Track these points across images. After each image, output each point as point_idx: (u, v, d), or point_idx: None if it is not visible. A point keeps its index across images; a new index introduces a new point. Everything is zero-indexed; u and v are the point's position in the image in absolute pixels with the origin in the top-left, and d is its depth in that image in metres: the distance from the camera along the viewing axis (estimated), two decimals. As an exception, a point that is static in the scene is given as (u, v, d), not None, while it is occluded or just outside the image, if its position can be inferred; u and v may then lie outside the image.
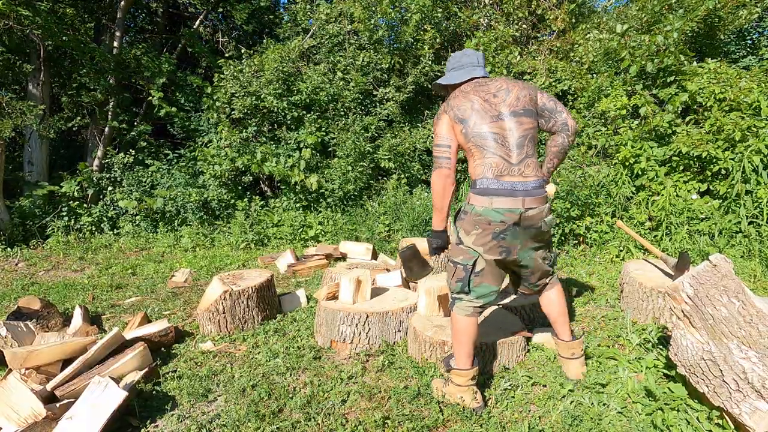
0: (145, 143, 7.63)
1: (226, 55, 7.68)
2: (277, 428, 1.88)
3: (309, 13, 7.72)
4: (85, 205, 6.64)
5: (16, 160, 7.86)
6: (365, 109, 7.29)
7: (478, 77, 2.05)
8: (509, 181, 1.86)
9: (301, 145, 6.69)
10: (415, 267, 2.23)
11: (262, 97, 6.70)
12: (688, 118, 5.05)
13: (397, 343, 2.61)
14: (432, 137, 6.98)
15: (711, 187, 4.69)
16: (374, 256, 4.66)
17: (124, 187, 6.77)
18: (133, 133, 7.61)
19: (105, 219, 6.63)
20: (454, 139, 1.96)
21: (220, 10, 9.73)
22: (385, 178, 7.07)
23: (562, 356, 2.23)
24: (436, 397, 2.07)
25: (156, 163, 6.90)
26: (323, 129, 6.88)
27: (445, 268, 3.63)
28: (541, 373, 2.24)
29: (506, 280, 2.44)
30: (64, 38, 6.58)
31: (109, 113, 7.48)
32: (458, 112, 1.94)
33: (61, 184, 6.59)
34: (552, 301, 2.21)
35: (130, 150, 7.09)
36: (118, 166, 6.82)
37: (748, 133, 4.42)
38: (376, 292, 2.96)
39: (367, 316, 2.57)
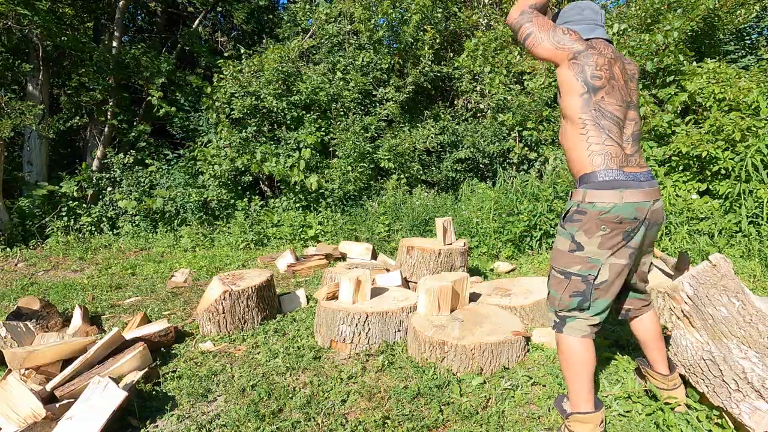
0: (145, 143, 7.63)
1: (225, 54, 7.68)
2: (277, 428, 1.88)
3: (308, 13, 7.73)
4: (84, 205, 6.64)
5: (15, 160, 7.86)
6: (365, 109, 7.29)
7: (603, 39, 1.72)
8: (631, 171, 1.62)
9: (301, 145, 6.69)
10: None
11: (261, 97, 6.70)
12: (687, 118, 5.06)
13: (397, 343, 2.60)
14: (430, 138, 6.98)
15: (711, 187, 4.69)
16: (374, 256, 4.66)
17: (123, 187, 6.77)
18: (132, 133, 7.61)
19: (104, 219, 6.63)
20: (552, 49, 1.65)
21: (219, 9, 9.73)
22: (384, 178, 7.07)
23: (660, 388, 1.92)
24: None
25: (155, 163, 6.90)
26: (323, 129, 6.89)
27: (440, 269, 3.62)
28: (541, 373, 2.24)
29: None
30: (63, 38, 6.57)
31: (109, 113, 7.48)
32: (588, 72, 1.61)
33: (61, 184, 6.59)
34: (647, 323, 1.90)
35: (130, 150, 7.09)
36: (118, 166, 6.82)
37: (747, 133, 4.42)
38: (376, 292, 2.95)
39: (367, 316, 2.57)
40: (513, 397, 2.07)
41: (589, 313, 1.67)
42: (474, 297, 2.95)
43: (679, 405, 1.86)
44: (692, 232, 4.40)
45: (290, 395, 2.13)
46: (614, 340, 2.61)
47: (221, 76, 6.84)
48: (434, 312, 2.59)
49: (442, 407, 2.00)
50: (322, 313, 2.67)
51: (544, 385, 2.15)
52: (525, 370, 2.28)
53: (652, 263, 1.88)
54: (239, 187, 6.89)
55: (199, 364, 2.49)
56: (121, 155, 6.88)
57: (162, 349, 2.65)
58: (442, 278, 2.73)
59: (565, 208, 1.69)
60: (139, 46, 7.87)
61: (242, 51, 7.20)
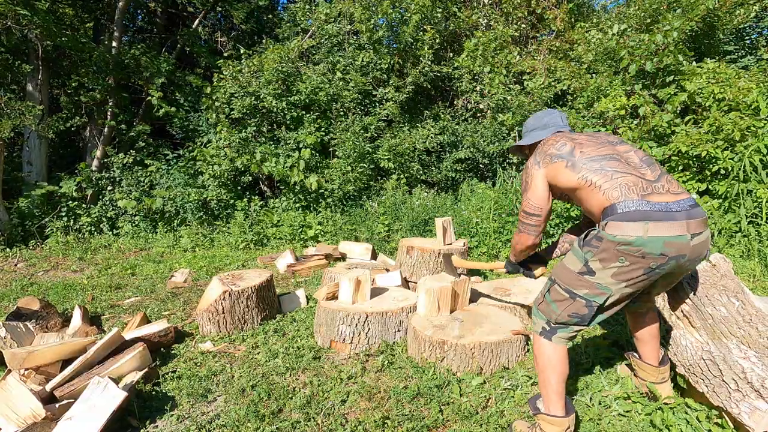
0: (144, 143, 7.62)
1: (225, 54, 7.68)
2: (277, 428, 1.88)
3: (308, 13, 7.72)
4: (84, 206, 6.63)
5: (15, 161, 7.86)
6: (365, 109, 7.29)
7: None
8: (660, 201, 1.48)
9: (301, 145, 6.69)
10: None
11: (261, 97, 6.70)
12: (687, 118, 5.06)
13: (397, 343, 2.61)
14: (430, 138, 6.99)
15: (710, 187, 4.69)
16: (374, 256, 4.66)
17: (123, 187, 6.77)
18: (132, 133, 7.60)
19: (104, 219, 6.63)
20: (549, 203, 1.74)
21: (219, 9, 9.73)
22: (384, 178, 7.07)
23: (649, 381, 1.96)
24: None
25: (155, 163, 6.90)
26: (323, 129, 6.88)
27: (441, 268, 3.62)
28: (541, 373, 2.24)
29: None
30: (62, 38, 6.57)
31: (108, 113, 7.48)
32: (554, 150, 1.69)
33: (60, 185, 6.58)
34: (646, 321, 1.90)
35: (129, 150, 7.08)
36: (117, 166, 6.81)
37: (747, 133, 4.42)
38: (376, 292, 2.95)
39: (367, 316, 2.57)
40: (513, 397, 2.07)
41: (586, 326, 1.67)
42: (474, 297, 2.95)
43: (669, 398, 1.89)
44: (692, 232, 4.40)
45: (290, 395, 2.13)
46: (614, 340, 2.61)
47: (221, 76, 6.84)
48: (434, 313, 2.59)
49: (442, 407, 2.00)
50: (322, 313, 2.67)
51: (544, 385, 2.15)
52: (525, 370, 2.28)
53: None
54: (239, 187, 6.88)
55: (198, 364, 2.49)
56: (121, 155, 6.87)
57: (162, 349, 2.65)
58: (441, 279, 2.73)
59: (585, 232, 1.64)
60: (139, 46, 7.87)
61: (242, 51, 7.19)
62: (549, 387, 1.67)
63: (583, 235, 1.63)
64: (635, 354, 2.03)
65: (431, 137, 7.00)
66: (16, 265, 5.11)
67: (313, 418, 1.94)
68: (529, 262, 2.19)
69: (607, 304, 1.59)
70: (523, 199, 1.78)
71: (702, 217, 1.50)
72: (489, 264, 2.53)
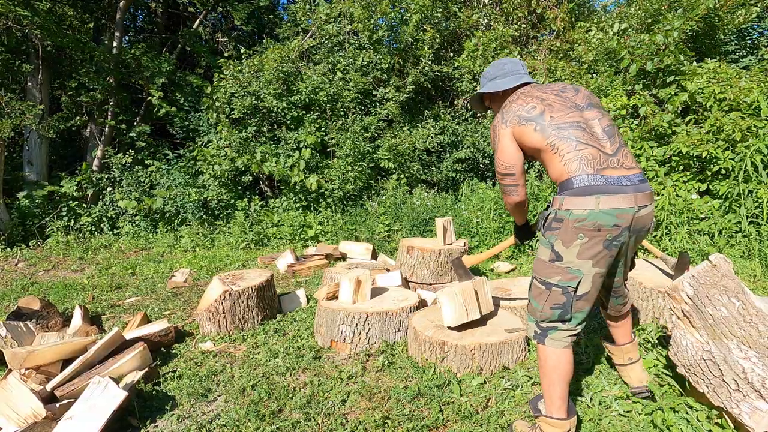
0: (145, 143, 7.63)
1: (225, 54, 7.68)
2: (277, 428, 1.88)
3: (308, 13, 7.72)
4: (84, 205, 6.64)
5: (15, 160, 7.86)
6: (365, 109, 7.29)
7: (530, 83, 1.88)
8: (612, 175, 1.56)
9: (301, 145, 6.69)
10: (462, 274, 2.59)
11: (261, 97, 6.70)
12: (687, 118, 5.05)
13: (397, 343, 2.60)
14: (430, 138, 6.99)
15: (711, 187, 4.69)
16: (374, 256, 4.66)
17: (123, 187, 6.77)
18: (132, 134, 7.61)
19: (105, 219, 6.63)
20: (520, 160, 1.74)
21: (220, 9, 9.73)
22: (384, 178, 7.07)
23: (619, 364, 2.04)
24: None
25: (155, 163, 6.90)
26: (323, 129, 6.88)
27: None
28: (541, 373, 2.23)
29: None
30: (63, 38, 6.57)
31: (109, 113, 7.48)
32: (523, 113, 1.69)
33: (61, 184, 6.59)
34: (621, 309, 1.98)
35: (129, 150, 7.09)
36: (117, 166, 6.82)
37: (747, 133, 4.42)
38: (376, 292, 2.95)
39: (367, 316, 2.57)
40: (513, 397, 2.07)
41: (571, 324, 1.66)
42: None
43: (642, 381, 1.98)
44: (692, 232, 4.40)
45: (290, 395, 2.13)
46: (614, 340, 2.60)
47: (221, 76, 6.84)
48: (463, 317, 2.41)
49: (442, 407, 2.00)
50: (322, 313, 2.67)
51: (544, 385, 2.15)
52: (525, 370, 2.28)
53: (634, 262, 1.89)
54: (239, 187, 6.88)
55: (199, 364, 2.49)
56: (120, 155, 6.87)
57: (162, 349, 2.65)
58: (454, 286, 2.65)
59: (544, 216, 1.67)
60: (139, 46, 7.87)
61: (242, 51, 7.19)
62: (552, 390, 1.66)
63: (542, 223, 1.68)
64: (609, 338, 2.10)
65: (431, 137, 7.00)
66: (16, 264, 5.11)
67: (314, 417, 1.94)
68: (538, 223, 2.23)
69: (581, 290, 1.61)
70: (495, 160, 1.81)
71: (648, 191, 1.59)
72: (500, 246, 2.49)
